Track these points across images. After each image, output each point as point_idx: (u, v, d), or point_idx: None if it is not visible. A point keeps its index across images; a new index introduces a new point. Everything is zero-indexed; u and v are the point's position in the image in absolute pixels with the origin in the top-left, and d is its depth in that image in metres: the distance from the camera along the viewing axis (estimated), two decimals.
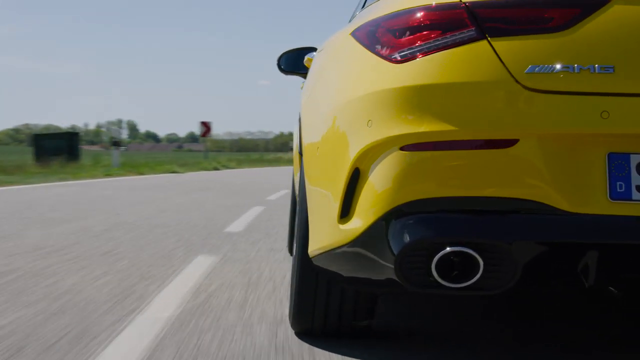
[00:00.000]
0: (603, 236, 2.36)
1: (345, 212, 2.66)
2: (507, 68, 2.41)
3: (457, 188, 2.42)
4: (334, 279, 3.01)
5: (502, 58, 2.42)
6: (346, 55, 2.82)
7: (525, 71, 2.40)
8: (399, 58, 2.54)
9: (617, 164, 2.38)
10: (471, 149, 2.42)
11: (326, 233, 2.76)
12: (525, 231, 2.39)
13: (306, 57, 3.81)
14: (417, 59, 2.50)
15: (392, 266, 2.50)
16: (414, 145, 2.46)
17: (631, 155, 2.38)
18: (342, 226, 2.66)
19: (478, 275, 2.41)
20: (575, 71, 2.38)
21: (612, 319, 3.61)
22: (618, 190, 2.36)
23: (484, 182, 2.41)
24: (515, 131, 2.39)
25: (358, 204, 2.61)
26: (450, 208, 2.43)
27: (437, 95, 2.46)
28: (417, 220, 2.46)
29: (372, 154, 2.55)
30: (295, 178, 4.60)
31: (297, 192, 4.01)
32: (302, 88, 4.57)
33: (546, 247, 2.39)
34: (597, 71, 2.37)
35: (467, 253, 2.40)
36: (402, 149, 2.47)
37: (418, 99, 2.48)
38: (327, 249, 2.78)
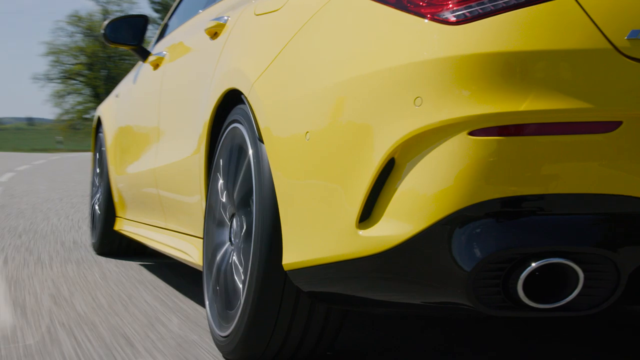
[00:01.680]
0: None
1: (367, 214, 2.07)
2: (602, 32, 1.92)
3: (544, 184, 1.91)
4: (303, 295, 2.41)
5: (594, 19, 1.93)
6: (353, 15, 2.21)
7: (627, 37, 1.92)
8: (453, 19, 1.98)
9: None
10: (561, 133, 1.91)
11: (330, 241, 2.16)
12: (634, 235, 1.92)
13: (210, 22, 3.12)
14: (484, 19, 1.95)
15: (452, 284, 1.95)
16: (487, 130, 1.92)
17: None
18: (362, 232, 2.07)
19: (576, 292, 1.92)
20: None
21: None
22: None
23: (579, 176, 1.91)
24: (618, 112, 1.91)
25: (390, 204, 2.03)
26: (537, 209, 1.92)
27: (514, 66, 1.92)
28: (497, 226, 1.92)
29: (423, 140, 1.98)
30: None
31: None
32: (166, 59, 3.84)
33: None
34: None
35: (563, 265, 1.90)
36: (471, 134, 1.92)
37: (490, 70, 1.93)
38: (328, 261, 2.18)
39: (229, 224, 2.79)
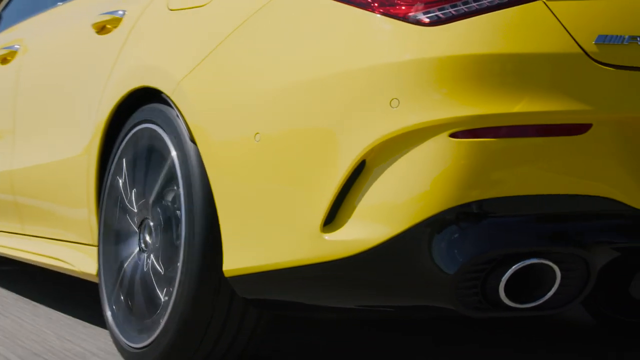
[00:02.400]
0: None
1: (333, 217, 2.03)
2: (572, 37, 1.97)
3: (523, 185, 1.94)
4: (236, 300, 2.34)
5: (564, 24, 1.98)
6: (314, 13, 2.15)
7: (594, 41, 1.98)
8: (426, 20, 1.97)
9: None
10: (536, 135, 1.94)
11: (289, 245, 2.10)
12: (603, 234, 1.99)
13: (100, 16, 2.93)
14: (458, 21, 1.96)
15: (433, 288, 1.94)
16: (470, 132, 1.92)
17: None
18: (328, 236, 2.02)
19: (553, 291, 1.95)
20: None
21: None
22: None
23: (554, 178, 1.95)
24: (588, 114, 1.96)
25: (363, 207, 2.00)
26: (518, 210, 1.94)
27: (489, 68, 1.94)
28: (481, 228, 1.93)
29: (400, 142, 1.95)
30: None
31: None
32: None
33: (622, 252, 2.01)
34: None
35: (542, 265, 1.93)
36: (453, 135, 1.92)
37: (468, 72, 1.93)
38: (287, 266, 2.11)
39: (138, 230, 2.65)
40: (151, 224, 2.58)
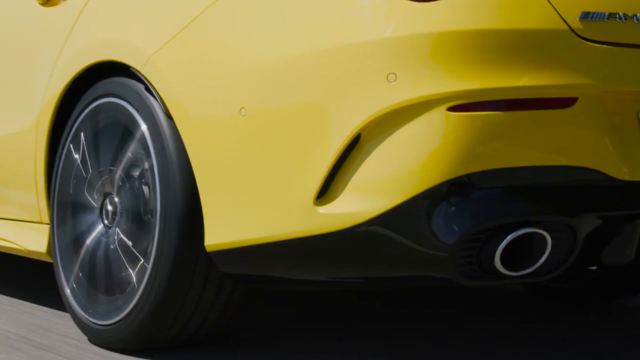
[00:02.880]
0: None
1: (326, 191, 2.06)
2: (558, 13, 2.05)
3: (518, 157, 2.01)
4: (213, 274, 2.35)
5: (550, 0, 2.05)
6: None
7: (579, 18, 2.06)
8: None
9: None
10: (528, 109, 2.01)
11: (277, 218, 2.12)
12: (589, 204, 2.08)
13: None
14: None
15: (431, 258, 1.99)
16: (464, 106, 1.97)
17: None
18: (322, 209, 2.05)
19: (544, 258, 2.03)
20: (623, 20, 2.11)
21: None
22: None
23: (543, 150, 2.03)
24: (574, 88, 2.04)
25: (355, 180, 2.03)
26: (513, 181, 2.01)
27: (485, 44, 2.00)
28: (479, 198, 1.99)
29: (397, 116, 1.99)
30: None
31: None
32: None
33: (604, 221, 2.10)
34: (635, 20, 2.13)
35: (535, 234, 2.01)
36: (450, 109, 1.97)
37: (462, 48, 1.99)
38: (272, 240, 2.13)
39: (100, 206, 2.60)
40: (116, 199, 2.54)
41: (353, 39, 2.03)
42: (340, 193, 2.04)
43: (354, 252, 2.07)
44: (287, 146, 2.10)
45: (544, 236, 2.00)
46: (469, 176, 1.96)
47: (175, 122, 2.33)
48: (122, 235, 2.49)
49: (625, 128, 2.10)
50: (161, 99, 2.37)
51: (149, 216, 2.40)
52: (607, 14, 2.08)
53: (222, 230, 2.24)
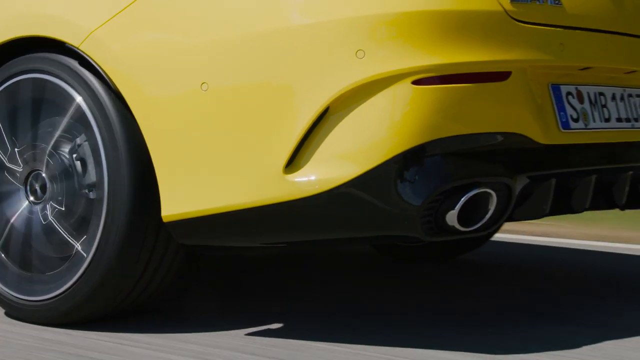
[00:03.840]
0: (560, 166, 2.46)
1: (296, 160, 2.22)
2: None
3: (467, 125, 2.25)
4: (160, 242, 2.44)
5: None
6: None
7: (510, 1, 2.33)
8: None
9: (557, 95, 2.48)
10: (476, 82, 2.26)
11: (243, 187, 2.25)
12: (521, 165, 2.35)
13: None
14: None
15: (399, 219, 2.19)
16: (427, 79, 2.19)
17: (561, 87, 2.50)
18: (291, 176, 2.21)
19: (489, 215, 2.29)
20: (541, 3, 2.40)
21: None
22: (562, 120, 2.47)
23: (488, 117, 2.29)
24: (509, 64, 2.31)
25: (325, 149, 2.20)
26: (467, 147, 2.25)
27: (445, 23, 2.23)
28: (441, 163, 2.21)
29: (365, 90, 2.18)
30: None
31: None
32: None
33: (530, 180, 2.39)
34: (549, 3, 2.43)
35: (485, 193, 2.26)
36: (415, 82, 2.18)
37: (425, 26, 2.21)
38: (237, 208, 2.26)
39: (24, 182, 2.58)
40: (44, 175, 2.54)
41: (323, 16, 2.18)
42: (308, 162, 2.20)
43: (324, 216, 2.23)
44: (254, 119, 2.22)
45: (491, 194, 2.25)
46: (430, 143, 2.18)
47: (125, 97, 2.38)
48: (58, 211, 2.50)
49: (541, 98, 2.40)
50: (106, 74, 2.40)
51: (91, 190, 2.43)
52: None
53: (181, 201, 2.32)
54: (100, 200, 2.41)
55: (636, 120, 2.69)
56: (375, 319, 2.66)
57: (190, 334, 2.43)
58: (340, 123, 2.18)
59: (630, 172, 2.66)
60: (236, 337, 2.40)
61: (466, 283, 3.31)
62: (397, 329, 2.54)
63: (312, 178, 2.19)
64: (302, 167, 2.20)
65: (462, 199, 2.21)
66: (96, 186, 2.42)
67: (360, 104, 2.17)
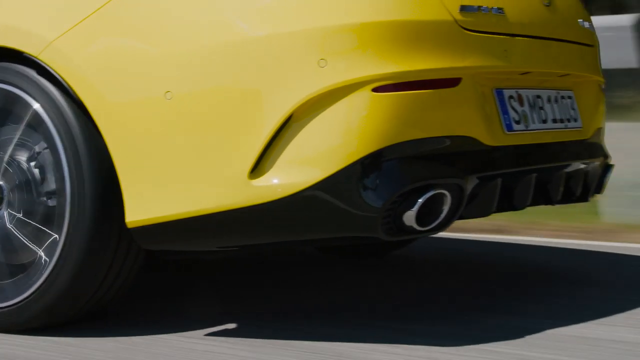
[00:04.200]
0: (505, 166, 2.59)
1: (261, 166, 2.30)
2: (445, 6, 2.42)
3: (423, 130, 2.37)
4: (121, 247, 2.49)
5: None
6: None
7: (459, 10, 2.45)
8: None
9: (500, 99, 2.61)
10: (431, 88, 2.37)
11: (209, 193, 2.33)
12: (472, 166, 2.47)
13: None
14: None
15: (360, 221, 2.29)
16: (386, 87, 2.30)
17: (504, 91, 2.64)
18: (255, 182, 2.29)
19: (443, 215, 2.40)
20: (486, 12, 2.53)
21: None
22: (506, 123, 2.60)
23: (441, 122, 2.40)
24: (460, 70, 2.43)
25: (289, 155, 2.29)
26: (424, 150, 2.36)
27: (402, 33, 2.34)
28: (400, 166, 2.32)
29: (327, 97, 2.27)
30: None
31: None
32: None
33: (479, 180, 2.51)
34: (493, 12, 2.56)
35: (440, 194, 2.37)
36: (375, 90, 2.28)
37: (384, 36, 2.32)
38: (202, 213, 2.33)
39: None
40: (1, 183, 2.56)
41: (287, 27, 2.27)
42: (272, 167, 2.28)
43: (288, 219, 2.31)
44: (220, 126, 2.30)
45: (445, 195, 2.37)
46: (390, 148, 2.29)
47: (87, 105, 2.42)
48: (18, 219, 2.52)
49: (487, 102, 2.53)
50: (67, 83, 2.43)
51: (50, 197, 2.47)
52: (476, 6, 2.49)
53: (145, 207, 2.38)
54: (63, 207, 2.44)
55: (568, 120, 2.85)
56: (320, 316, 2.75)
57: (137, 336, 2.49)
58: (304, 129, 2.27)
59: (564, 170, 2.81)
60: (185, 337, 2.47)
61: (409, 278, 3.43)
62: (344, 324, 2.63)
63: (277, 182, 2.27)
64: (267, 172, 2.28)
65: (420, 200, 2.32)
66: (57, 193, 2.45)
67: (323, 111, 2.26)
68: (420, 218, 2.35)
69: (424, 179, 2.33)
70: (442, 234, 4.08)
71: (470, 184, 2.46)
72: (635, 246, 4.02)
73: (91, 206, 2.42)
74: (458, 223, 2.64)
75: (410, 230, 2.36)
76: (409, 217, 2.33)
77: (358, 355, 2.29)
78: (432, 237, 4.16)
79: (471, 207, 2.54)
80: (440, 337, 2.44)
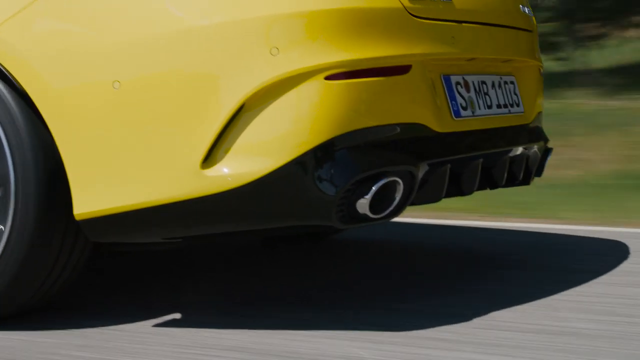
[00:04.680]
0: (454, 152, 2.60)
1: (212, 156, 2.28)
2: None
3: (375, 118, 2.36)
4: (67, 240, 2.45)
5: None
6: None
7: None
8: None
9: (448, 85, 2.62)
10: (381, 76, 2.36)
11: (158, 183, 2.30)
12: (422, 153, 2.48)
13: None
14: None
15: (315, 209, 2.28)
16: (337, 75, 2.28)
17: (451, 77, 2.65)
18: (208, 171, 2.26)
19: (396, 202, 2.40)
20: (435, 0, 2.53)
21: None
22: (454, 109, 2.61)
23: (392, 110, 2.40)
24: (409, 57, 2.43)
25: (241, 145, 2.27)
26: (377, 138, 2.35)
27: (354, 20, 2.32)
28: (353, 155, 2.31)
29: (280, 86, 2.25)
30: None
31: None
32: None
33: (429, 167, 2.51)
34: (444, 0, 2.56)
35: (391, 182, 2.37)
36: (327, 78, 2.27)
37: (334, 24, 2.30)
38: (153, 204, 2.30)
39: None
40: None
41: (238, 15, 2.23)
42: (224, 157, 2.25)
43: (241, 209, 2.29)
44: (170, 117, 2.26)
45: (398, 182, 2.37)
46: (342, 136, 2.27)
47: (31, 95, 2.35)
48: None
49: (436, 88, 2.53)
50: (9, 72, 2.37)
51: (6, 190, 2.41)
52: None
53: (94, 199, 2.33)
54: (7, 198, 2.38)
55: (512, 105, 2.88)
56: (261, 303, 2.75)
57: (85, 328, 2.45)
58: (256, 119, 2.24)
59: (508, 155, 2.84)
60: (124, 331, 2.44)
61: (349, 262, 3.43)
62: (285, 311, 2.63)
63: (229, 172, 2.25)
64: (219, 162, 2.26)
65: (374, 187, 2.31)
66: (1, 185, 2.39)
67: (275, 100, 2.24)
68: (373, 206, 2.34)
69: (377, 167, 2.33)
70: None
71: (422, 171, 2.46)
72: None
73: (36, 198, 2.36)
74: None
75: (364, 217, 2.35)
76: (362, 205, 2.32)
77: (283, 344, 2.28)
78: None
79: (422, 193, 2.54)
80: (401, 322, 2.44)
